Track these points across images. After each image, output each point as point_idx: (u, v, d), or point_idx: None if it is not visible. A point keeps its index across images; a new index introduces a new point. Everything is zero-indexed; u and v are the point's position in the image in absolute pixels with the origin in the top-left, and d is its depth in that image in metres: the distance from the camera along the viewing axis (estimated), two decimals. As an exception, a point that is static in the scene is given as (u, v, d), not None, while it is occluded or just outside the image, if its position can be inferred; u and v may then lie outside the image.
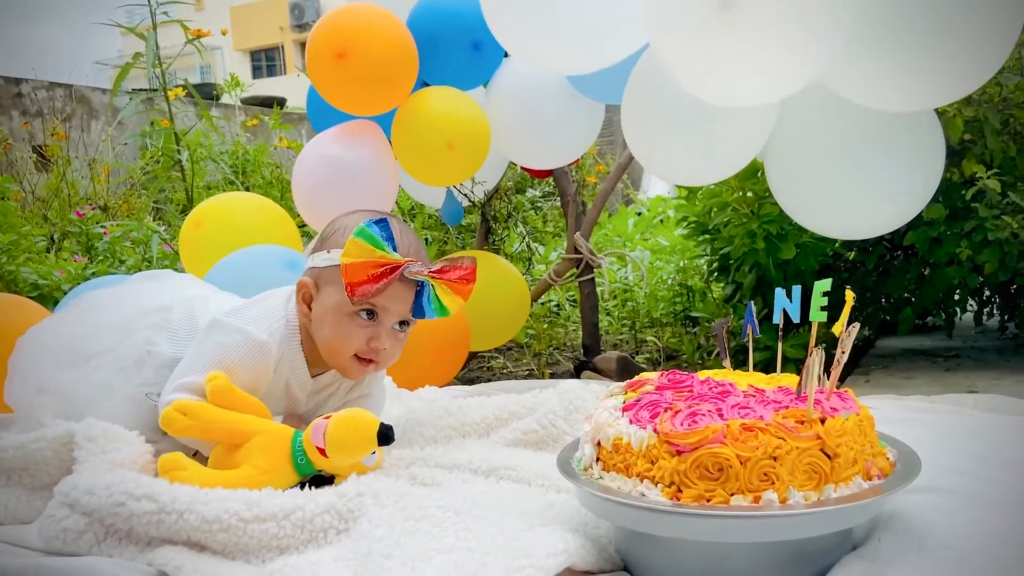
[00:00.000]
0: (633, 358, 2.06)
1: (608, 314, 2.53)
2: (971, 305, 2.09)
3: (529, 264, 2.49)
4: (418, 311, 1.04)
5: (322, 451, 0.94)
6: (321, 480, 1.00)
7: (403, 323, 1.07)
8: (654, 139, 1.43)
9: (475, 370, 2.17)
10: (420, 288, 1.03)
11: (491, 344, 1.98)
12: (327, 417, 0.96)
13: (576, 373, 1.94)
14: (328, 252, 1.05)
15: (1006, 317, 2.09)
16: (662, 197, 3.58)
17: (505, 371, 2.17)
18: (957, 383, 1.62)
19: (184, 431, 0.96)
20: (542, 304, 2.48)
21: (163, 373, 1.06)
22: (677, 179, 1.71)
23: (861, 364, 1.89)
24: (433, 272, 1.02)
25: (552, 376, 2.03)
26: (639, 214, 3.52)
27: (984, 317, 2.12)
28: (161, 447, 0.99)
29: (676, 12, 1.13)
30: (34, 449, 0.96)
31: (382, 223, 0.99)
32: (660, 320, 2.40)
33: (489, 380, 1.95)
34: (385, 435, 0.94)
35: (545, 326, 2.33)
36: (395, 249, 1.00)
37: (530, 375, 2.09)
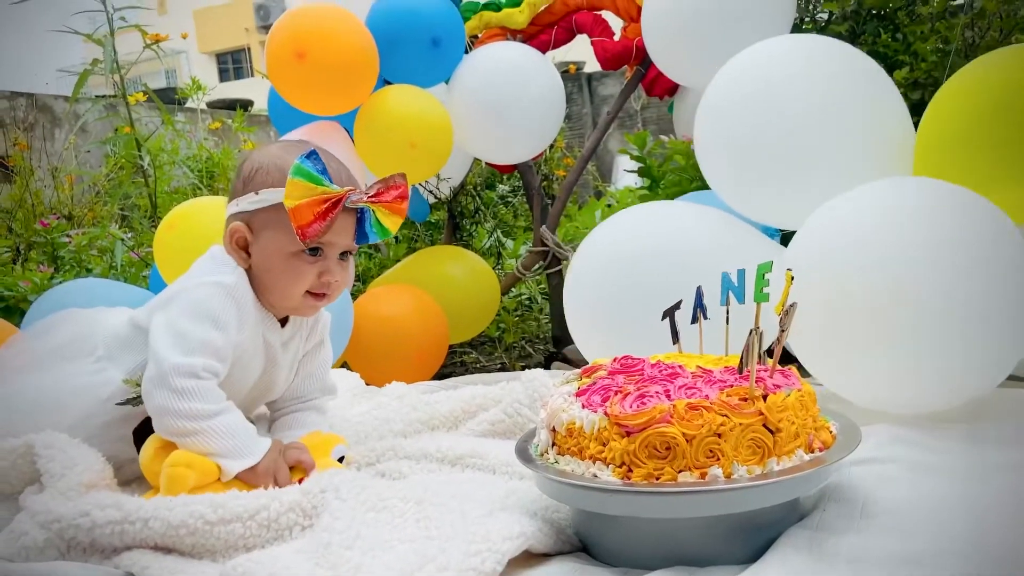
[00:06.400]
0: (603, 347, 2.08)
1: (580, 305, 2.55)
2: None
3: (499, 258, 2.51)
4: (361, 237, 1.03)
5: None
6: None
7: (345, 253, 1.05)
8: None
9: (448, 365, 2.18)
10: (360, 215, 1.02)
11: (462, 337, 2.00)
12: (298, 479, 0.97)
13: (547, 364, 1.96)
14: (257, 194, 1.01)
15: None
16: (631, 188, 3.61)
17: (477, 365, 2.19)
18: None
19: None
20: (513, 298, 2.50)
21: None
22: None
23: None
24: (371, 197, 1.01)
25: (524, 368, 2.04)
26: (609, 206, 3.54)
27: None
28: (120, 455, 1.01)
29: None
30: None
31: (313, 156, 0.97)
32: (631, 309, 2.42)
33: (462, 375, 1.97)
34: None
35: (516, 319, 2.35)
36: (331, 180, 0.99)
37: (502, 368, 2.10)
